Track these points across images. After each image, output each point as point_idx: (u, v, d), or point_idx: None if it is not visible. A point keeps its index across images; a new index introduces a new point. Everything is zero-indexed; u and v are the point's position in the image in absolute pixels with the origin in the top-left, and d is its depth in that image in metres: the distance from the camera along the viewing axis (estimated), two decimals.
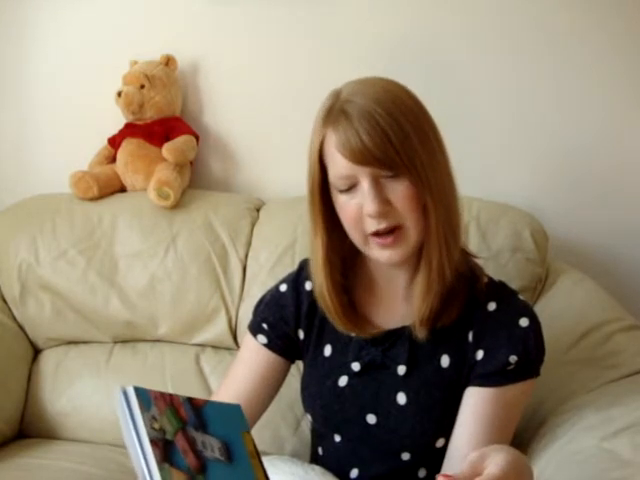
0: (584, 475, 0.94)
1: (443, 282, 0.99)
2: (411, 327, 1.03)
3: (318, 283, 1.06)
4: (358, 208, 0.97)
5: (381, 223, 0.96)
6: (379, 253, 0.99)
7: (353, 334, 1.07)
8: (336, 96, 0.99)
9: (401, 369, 1.04)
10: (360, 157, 0.94)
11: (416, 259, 1.02)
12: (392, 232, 0.97)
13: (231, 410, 0.80)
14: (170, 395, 0.74)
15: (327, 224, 1.03)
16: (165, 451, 0.69)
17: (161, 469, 0.68)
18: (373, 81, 1.00)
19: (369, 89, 0.98)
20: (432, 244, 0.98)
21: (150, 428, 0.70)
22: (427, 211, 0.97)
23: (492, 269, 1.10)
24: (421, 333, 1.02)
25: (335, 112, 0.97)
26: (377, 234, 0.97)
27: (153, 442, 0.69)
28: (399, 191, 0.96)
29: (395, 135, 0.93)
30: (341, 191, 0.98)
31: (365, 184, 0.95)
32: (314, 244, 1.05)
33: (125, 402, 0.70)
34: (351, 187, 0.97)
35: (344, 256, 1.07)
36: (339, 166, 0.96)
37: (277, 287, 1.17)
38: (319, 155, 1.00)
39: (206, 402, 0.77)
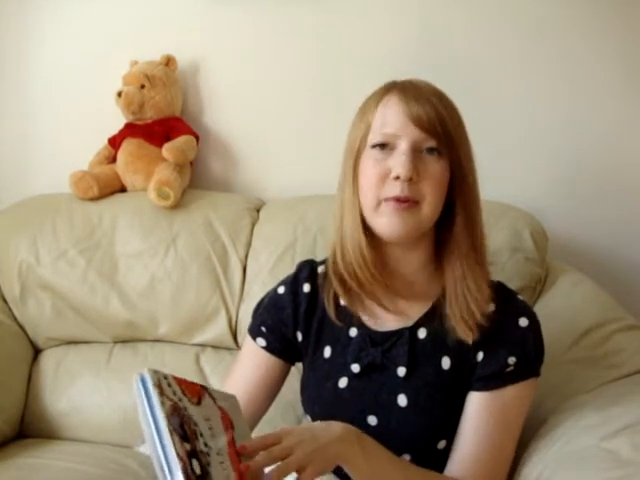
0: (584, 475, 0.93)
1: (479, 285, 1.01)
2: (454, 329, 1.02)
3: (354, 238, 1.02)
4: (384, 170, 0.98)
5: (403, 190, 0.97)
6: (386, 219, 0.99)
7: (372, 300, 1.06)
8: (391, 82, 1.03)
9: (401, 370, 1.04)
10: (420, 120, 0.96)
11: (416, 257, 1.04)
12: (407, 201, 0.98)
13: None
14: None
15: None
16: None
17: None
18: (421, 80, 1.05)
19: (421, 84, 1.02)
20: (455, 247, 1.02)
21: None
22: (454, 211, 1.01)
23: (492, 269, 1.10)
24: (467, 336, 1.00)
25: (400, 85, 1.01)
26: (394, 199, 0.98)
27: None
28: (432, 167, 0.98)
29: (451, 119, 0.98)
30: (374, 146, 1.00)
31: (404, 146, 0.97)
32: (351, 201, 1.03)
33: (143, 388, 0.72)
34: (385, 145, 0.99)
35: None
36: (390, 121, 0.98)
37: (275, 290, 1.17)
38: (373, 115, 1.01)
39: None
